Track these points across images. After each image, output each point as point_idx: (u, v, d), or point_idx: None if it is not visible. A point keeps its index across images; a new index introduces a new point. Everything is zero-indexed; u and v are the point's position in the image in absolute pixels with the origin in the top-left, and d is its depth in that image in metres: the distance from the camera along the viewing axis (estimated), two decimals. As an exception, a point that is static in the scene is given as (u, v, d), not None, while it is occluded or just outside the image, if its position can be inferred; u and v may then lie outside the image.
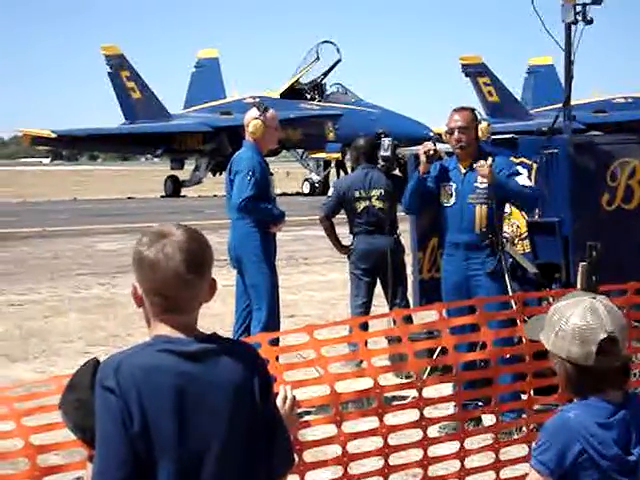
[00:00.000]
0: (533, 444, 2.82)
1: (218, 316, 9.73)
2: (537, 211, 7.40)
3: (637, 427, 2.81)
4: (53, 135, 43.22)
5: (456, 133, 6.68)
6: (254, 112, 7.51)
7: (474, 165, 6.61)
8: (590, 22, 7.47)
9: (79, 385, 2.45)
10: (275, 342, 5.99)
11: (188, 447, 2.37)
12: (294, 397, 2.65)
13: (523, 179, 6.70)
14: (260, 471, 2.47)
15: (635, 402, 2.84)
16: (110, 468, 2.33)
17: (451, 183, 6.77)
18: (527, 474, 2.84)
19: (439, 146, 6.98)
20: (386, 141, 8.34)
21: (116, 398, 2.35)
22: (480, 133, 6.71)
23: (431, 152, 6.70)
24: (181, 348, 2.39)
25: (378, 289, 8.56)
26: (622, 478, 2.77)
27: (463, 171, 6.77)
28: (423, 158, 6.72)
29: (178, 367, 2.37)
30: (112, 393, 2.35)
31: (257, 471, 2.47)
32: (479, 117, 6.96)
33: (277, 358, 4.26)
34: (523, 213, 7.47)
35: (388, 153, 8.30)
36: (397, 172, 8.60)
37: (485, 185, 6.68)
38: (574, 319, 2.76)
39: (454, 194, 6.75)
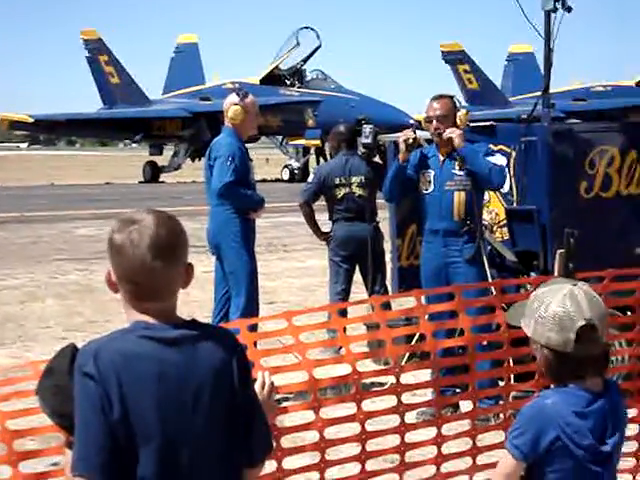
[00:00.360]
0: (510, 428, 2.83)
1: (197, 302, 9.70)
2: (515, 198, 7.42)
3: (614, 416, 2.82)
4: (31, 120, 42.97)
5: (434, 121, 6.71)
6: (234, 98, 7.48)
7: (445, 134, 6.60)
8: (569, 10, 7.47)
9: (57, 371, 2.44)
10: (254, 328, 5.99)
11: (168, 433, 2.37)
12: (272, 383, 2.65)
13: (496, 158, 6.72)
14: (238, 457, 2.47)
15: (614, 390, 2.85)
16: (90, 454, 2.32)
17: (430, 170, 6.79)
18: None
19: (419, 133, 6.98)
20: (367, 128, 8.33)
21: (95, 384, 2.34)
22: (458, 121, 6.73)
23: (410, 141, 6.71)
24: (161, 334, 2.38)
25: (357, 276, 8.57)
26: (596, 467, 2.78)
27: (442, 158, 6.79)
28: (402, 147, 6.73)
29: (158, 353, 2.37)
30: (91, 379, 2.34)
31: (236, 457, 2.47)
32: (458, 105, 6.96)
33: (255, 344, 4.26)
34: (499, 197, 7.48)
35: (369, 140, 8.29)
36: (377, 159, 8.59)
37: (463, 172, 6.70)
38: (553, 306, 2.76)
39: (433, 181, 6.77)
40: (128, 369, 2.34)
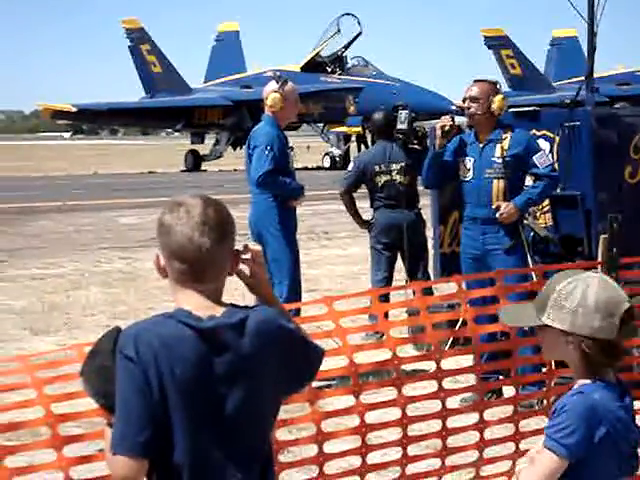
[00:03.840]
0: (547, 422, 2.73)
1: (238, 290, 9.74)
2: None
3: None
4: (73, 109, 43.31)
5: (467, 102, 6.70)
6: (273, 85, 7.48)
7: (500, 216, 6.56)
8: (613, -7, 7.39)
9: (101, 352, 2.48)
10: (297, 313, 6.00)
11: (201, 418, 2.39)
12: (259, 250, 2.57)
13: (541, 157, 6.67)
14: (271, 423, 2.54)
15: (625, 385, 2.80)
16: (131, 434, 2.36)
17: (469, 157, 6.76)
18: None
19: (458, 120, 6.96)
20: (403, 114, 8.26)
21: (135, 366, 2.38)
22: (493, 106, 6.66)
23: (447, 127, 6.69)
24: (199, 323, 2.41)
25: (399, 263, 8.55)
26: (633, 460, 2.75)
27: (481, 145, 6.75)
28: (439, 133, 6.72)
29: (195, 340, 2.39)
30: (131, 361, 2.38)
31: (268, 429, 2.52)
32: (500, 91, 6.90)
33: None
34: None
35: (404, 126, 8.23)
36: (416, 145, 8.53)
37: (502, 159, 6.65)
38: (594, 294, 2.68)
39: (472, 168, 6.74)
40: (166, 353, 2.38)
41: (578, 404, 2.67)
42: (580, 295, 2.69)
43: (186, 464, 2.39)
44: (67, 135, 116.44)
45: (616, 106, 10.64)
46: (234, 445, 2.42)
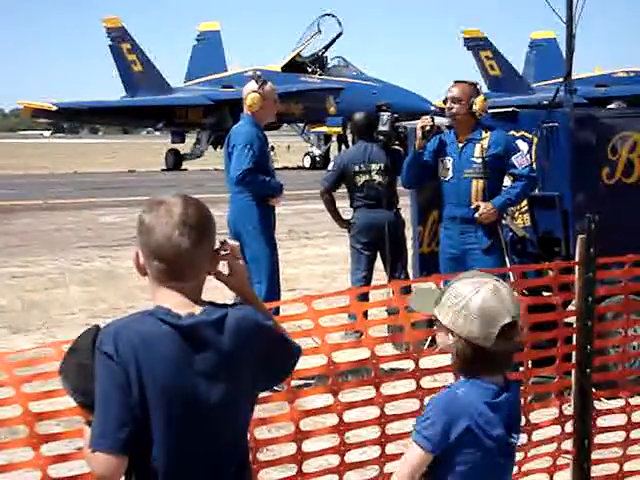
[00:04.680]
0: (417, 420, 2.80)
1: (218, 289, 9.74)
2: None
3: (516, 413, 2.84)
4: (54, 108, 43.16)
5: (449, 103, 6.74)
6: (252, 85, 7.50)
7: (479, 216, 6.59)
8: (592, -5, 7.44)
9: (80, 349, 2.49)
10: (276, 312, 6.02)
11: (180, 415, 2.40)
12: (236, 246, 2.59)
13: (520, 157, 6.72)
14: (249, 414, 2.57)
15: (515, 389, 2.86)
16: (110, 431, 2.37)
17: (448, 157, 6.80)
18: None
19: (439, 120, 7.00)
20: (385, 116, 8.32)
21: (115, 363, 2.39)
22: (475, 107, 6.71)
23: (427, 128, 6.73)
24: (178, 321, 2.42)
25: (378, 263, 8.58)
26: (502, 459, 2.79)
27: (460, 145, 6.79)
28: (419, 133, 6.76)
29: (174, 338, 2.40)
30: (111, 359, 2.39)
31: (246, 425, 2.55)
32: (481, 92, 6.96)
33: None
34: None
35: (386, 128, 8.28)
36: (397, 146, 8.58)
37: (481, 159, 6.70)
38: (479, 300, 2.74)
39: (451, 168, 6.78)
40: (145, 350, 2.39)
41: (440, 398, 2.78)
42: (467, 298, 2.76)
43: (164, 461, 2.40)
44: (47, 134, 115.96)
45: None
46: (212, 442, 2.44)
